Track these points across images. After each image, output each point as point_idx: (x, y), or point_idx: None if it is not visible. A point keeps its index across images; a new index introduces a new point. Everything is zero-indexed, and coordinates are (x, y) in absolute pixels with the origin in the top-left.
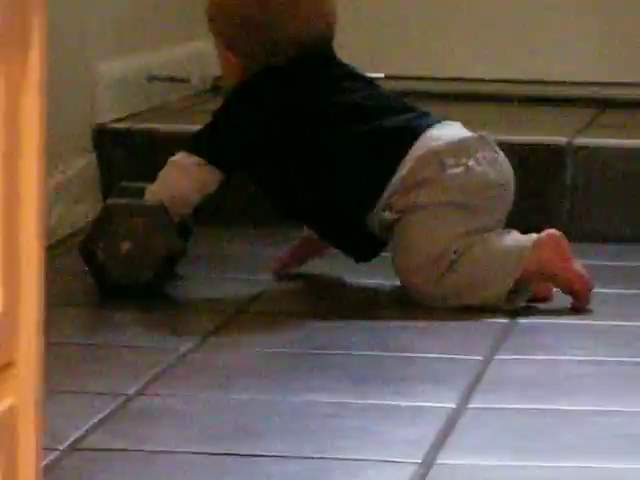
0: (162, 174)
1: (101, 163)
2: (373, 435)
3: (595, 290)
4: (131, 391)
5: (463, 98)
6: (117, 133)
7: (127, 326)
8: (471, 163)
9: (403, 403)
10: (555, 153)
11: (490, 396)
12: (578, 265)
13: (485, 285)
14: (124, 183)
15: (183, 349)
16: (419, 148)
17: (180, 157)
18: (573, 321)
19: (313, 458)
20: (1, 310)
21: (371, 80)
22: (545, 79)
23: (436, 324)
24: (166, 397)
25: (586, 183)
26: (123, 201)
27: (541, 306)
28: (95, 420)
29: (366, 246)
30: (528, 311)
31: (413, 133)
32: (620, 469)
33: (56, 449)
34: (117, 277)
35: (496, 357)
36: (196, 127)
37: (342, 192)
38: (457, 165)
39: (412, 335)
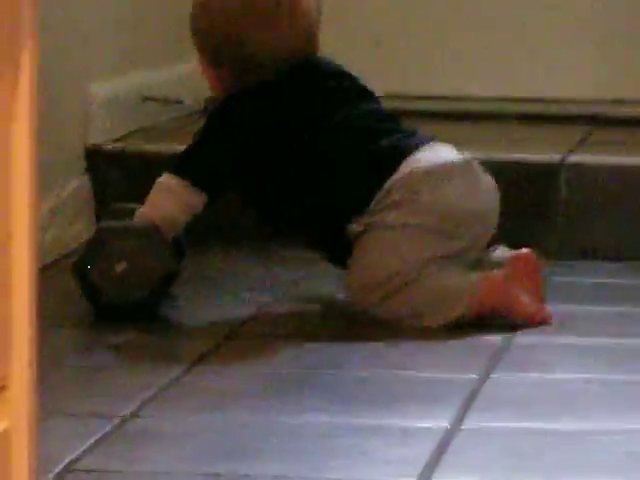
0: (150, 196)
1: (95, 184)
2: (367, 455)
3: (589, 308)
4: (126, 413)
5: (455, 117)
6: (111, 154)
7: (121, 348)
8: (448, 189)
9: (397, 423)
10: (548, 171)
11: (485, 415)
12: (526, 300)
13: (422, 317)
14: (116, 204)
15: (177, 371)
16: (402, 170)
17: (165, 179)
18: (568, 339)
19: (308, 478)
20: None
21: (363, 90)
22: (538, 97)
23: (430, 342)
24: (161, 419)
25: (579, 200)
26: (116, 223)
27: (536, 325)
28: (90, 442)
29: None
30: (523, 329)
31: (400, 154)
32: None
33: (51, 471)
34: (111, 298)
35: (491, 375)
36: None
37: (326, 207)
38: (433, 190)
39: (405, 354)
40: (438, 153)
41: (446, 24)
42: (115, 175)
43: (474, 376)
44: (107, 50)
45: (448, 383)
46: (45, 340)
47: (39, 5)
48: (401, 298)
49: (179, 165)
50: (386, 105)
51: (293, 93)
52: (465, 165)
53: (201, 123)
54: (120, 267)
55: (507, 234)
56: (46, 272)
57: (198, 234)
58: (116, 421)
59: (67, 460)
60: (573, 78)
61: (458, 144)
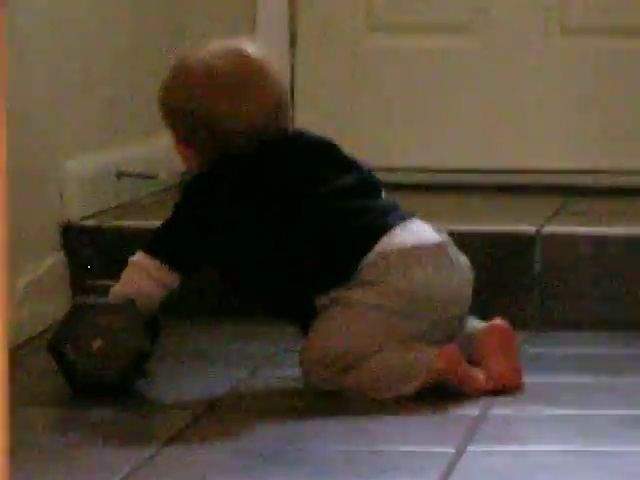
0: (123, 275)
1: (70, 261)
2: None
3: (566, 380)
4: None
5: (431, 188)
6: (86, 230)
7: (97, 425)
8: (419, 274)
9: None
10: (524, 241)
11: None
12: (479, 374)
13: (377, 391)
14: (91, 281)
15: (154, 447)
16: (375, 251)
17: (139, 258)
18: (546, 411)
19: None
20: None
21: (343, 160)
22: (513, 168)
23: (407, 416)
24: None
25: (555, 271)
26: (92, 299)
27: (512, 396)
28: None
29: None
30: (499, 402)
31: (375, 234)
32: None
33: None
34: (87, 375)
35: (469, 449)
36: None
37: (297, 282)
38: (404, 273)
39: (384, 428)
40: (413, 234)
41: (425, 97)
42: (90, 251)
43: (451, 450)
44: (82, 127)
45: (426, 457)
46: (20, 418)
47: (13, 84)
48: (355, 374)
49: (152, 245)
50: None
51: (265, 170)
52: (439, 248)
53: (176, 198)
54: (96, 344)
55: (483, 305)
56: (21, 349)
57: (174, 310)
58: None
59: None
60: (548, 149)
61: (433, 215)
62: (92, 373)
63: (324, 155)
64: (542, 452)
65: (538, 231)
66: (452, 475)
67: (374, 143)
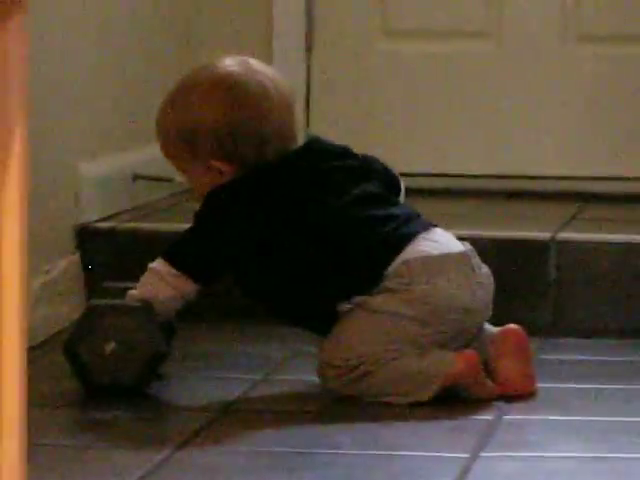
0: (142, 280)
1: (85, 263)
2: None
3: (579, 386)
4: None
5: (445, 193)
6: (101, 233)
7: (111, 427)
8: (442, 283)
9: None
10: (538, 248)
11: None
12: (492, 383)
13: (392, 397)
14: (107, 283)
15: (168, 450)
16: (398, 260)
17: (158, 265)
18: (558, 417)
19: None
20: None
21: (365, 169)
22: (527, 174)
23: (421, 421)
24: None
25: (569, 278)
26: (107, 301)
27: (526, 402)
28: None
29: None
30: (513, 407)
31: (398, 244)
32: None
33: None
34: (101, 377)
35: (482, 454)
36: (180, 227)
37: (320, 291)
38: (427, 282)
39: (397, 433)
40: (437, 243)
41: (440, 101)
42: (105, 254)
43: (465, 455)
44: (97, 129)
45: (440, 462)
46: (34, 419)
47: (28, 86)
48: (372, 379)
49: (172, 254)
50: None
51: (285, 179)
52: (463, 258)
53: (192, 201)
54: (110, 346)
55: (497, 311)
56: (36, 351)
57: (189, 312)
58: None
59: None
60: (563, 155)
61: (447, 221)
62: (106, 375)
63: (343, 163)
64: (555, 458)
65: (553, 237)
66: None
67: (389, 147)
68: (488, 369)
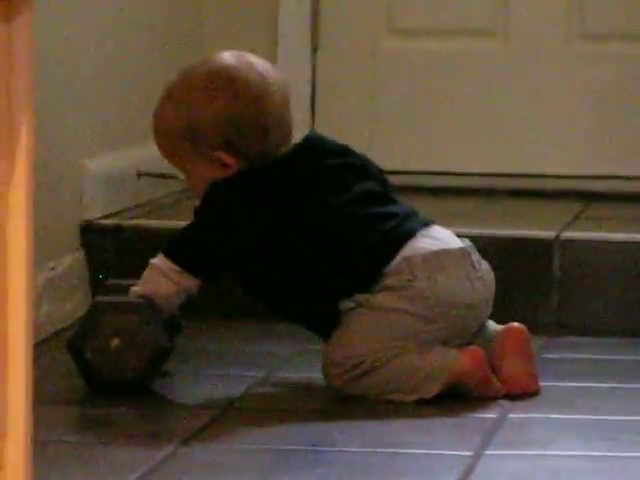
0: (144, 276)
1: (90, 260)
2: None
3: (582, 384)
4: None
5: (450, 192)
6: (105, 229)
7: (115, 424)
8: (443, 279)
9: None
10: (543, 247)
11: None
12: (496, 384)
13: (398, 394)
14: (111, 280)
15: (171, 447)
16: (399, 257)
17: (159, 261)
18: (562, 416)
19: None
20: None
21: (363, 167)
22: (532, 173)
23: (425, 419)
24: None
25: (573, 277)
26: (111, 298)
27: (529, 401)
28: None
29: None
30: (517, 406)
31: (398, 241)
32: None
33: None
34: (105, 374)
35: (486, 452)
36: (184, 224)
37: (321, 289)
38: (428, 278)
39: (401, 431)
40: (437, 239)
41: (444, 100)
42: (110, 250)
43: (469, 453)
44: (101, 126)
45: (443, 460)
46: (39, 416)
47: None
48: (376, 377)
49: (172, 249)
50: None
51: (284, 176)
52: (463, 254)
53: (196, 198)
54: (114, 343)
55: (500, 309)
56: (41, 347)
57: (192, 310)
58: None
59: None
60: (567, 154)
61: (451, 219)
62: (110, 372)
63: (344, 161)
64: (559, 456)
65: (557, 236)
66: (469, 478)
67: (393, 145)
68: (491, 368)
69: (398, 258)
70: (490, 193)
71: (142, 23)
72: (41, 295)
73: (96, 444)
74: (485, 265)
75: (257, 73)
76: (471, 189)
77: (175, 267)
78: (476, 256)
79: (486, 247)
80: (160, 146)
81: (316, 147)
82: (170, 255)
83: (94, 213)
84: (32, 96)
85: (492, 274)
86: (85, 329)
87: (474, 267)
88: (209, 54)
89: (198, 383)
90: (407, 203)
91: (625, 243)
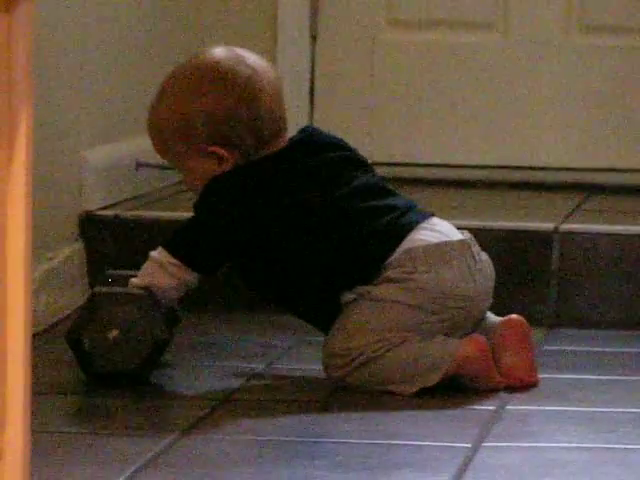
0: (144, 268)
1: (89, 250)
2: None
3: (581, 377)
4: None
5: (450, 184)
6: (105, 220)
7: (114, 415)
8: (444, 271)
9: None
10: (542, 239)
11: None
12: (497, 376)
13: (398, 385)
14: (110, 271)
15: (170, 437)
16: (400, 249)
17: (158, 254)
18: (560, 408)
19: None
20: None
21: (360, 161)
22: (531, 165)
23: (424, 411)
24: None
25: (573, 269)
26: (110, 289)
27: (528, 393)
28: None
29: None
30: (515, 398)
31: (399, 233)
32: None
33: None
34: (104, 365)
35: (484, 444)
36: (183, 215)
37: (321, 282)
38: (429, 270)
39: (399, 422)
40: (437, 231)
41: (444, 92)
42: (109, 241)
43: (467, 445)
44: (101, 118)
45: (442, 451)
46: (38, 407)
47: (33, 75)
48: (376, 368)
49: (172, 243)
50: (385, 172)
51: (283, 170)
52: (463, 246)
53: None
54: (113, 334)
55: (500, 301)
56: (39, 338)
57: (192, 301)
58: None
59: None
60: (567, 146)
61: (451, 211)
62: (108, 363)
63: (342, 154)
64: (557, 448)
65: (556, 228)
66: (467, 470)
67: (392, 138)
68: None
69: (399, 250)
70: (489, 185)
71: (141, 13)
72: (40, 286)
73: (94, 435)
74: (485, 257)
75: (245, 66)
76: (470, 181)
77: (175, 261)
78: (476, 248)
79: (485, 239)
80: (155, 144)
81: (314, 140)
82: (170, 249)
83: (93, 204)
84: (32, 87)
85: (492, 266)
86: (84, 320)
87: (474, 259)
88: (202, 48)
89: (197, 374)
90: (406, 195)
91: (624, 235)
